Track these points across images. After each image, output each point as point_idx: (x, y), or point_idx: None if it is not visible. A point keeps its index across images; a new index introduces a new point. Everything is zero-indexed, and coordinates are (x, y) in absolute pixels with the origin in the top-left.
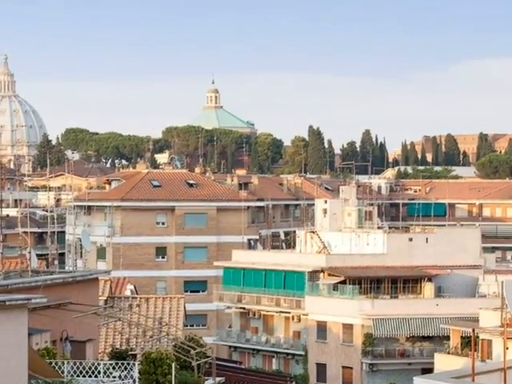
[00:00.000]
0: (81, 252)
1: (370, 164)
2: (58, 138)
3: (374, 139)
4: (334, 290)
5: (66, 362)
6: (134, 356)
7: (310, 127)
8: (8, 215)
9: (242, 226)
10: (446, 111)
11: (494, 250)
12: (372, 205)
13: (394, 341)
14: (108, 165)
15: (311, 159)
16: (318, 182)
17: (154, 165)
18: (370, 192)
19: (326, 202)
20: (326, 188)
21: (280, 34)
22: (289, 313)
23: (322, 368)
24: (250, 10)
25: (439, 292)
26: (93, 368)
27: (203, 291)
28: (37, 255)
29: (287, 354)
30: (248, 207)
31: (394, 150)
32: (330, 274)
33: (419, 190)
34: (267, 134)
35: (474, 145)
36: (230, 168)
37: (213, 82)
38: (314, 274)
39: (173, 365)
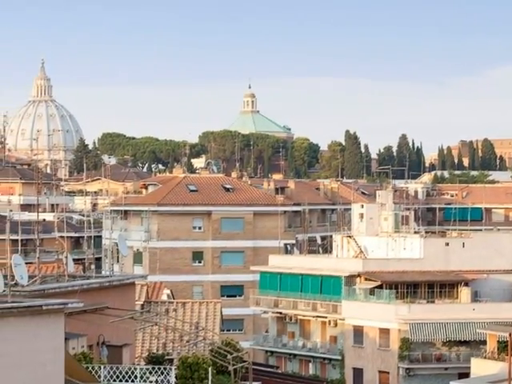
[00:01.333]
0: (117, 257)
1: (406, 169)
2: (94, 143)
3: (410, 144)
4: (370, 294)
5: (102, 367)
6: (171, 361)
7: (347, 132)
8: (45, 220)
9: (278, 230)
10: (483, 116)
11: None
12: (408, 209)
13: (431, 345)
14: (145, 169)
15: (348, 164)
16: (354, 186)
17: (191, 169)
18: (407, 196)
19: (362, 206)
20: (363, 192)
21: (316, 38)
22: (325, 317)
23: (358, 373)
24: (286, 15)
25: (476, 296)
26: (129, 373)
27: (240, 296)
28: (73, 260)
29: (324, 358)
30: (285, 212)
31: (430, 155)
32: (366, 279)
33: (456, 194)
34: (304, 138)
35: (510, 149)
36: (266, 172)
37: (249, 87)
38: (351, 279)
39: (209, 369)
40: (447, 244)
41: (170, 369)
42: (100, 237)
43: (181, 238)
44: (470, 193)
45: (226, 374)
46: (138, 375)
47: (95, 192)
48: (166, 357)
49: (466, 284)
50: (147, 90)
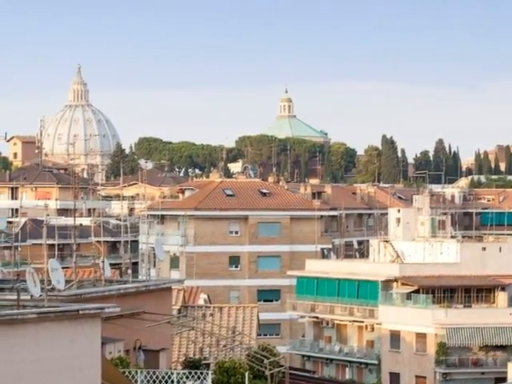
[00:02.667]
0: (154, 261)
1: (443, 173)
2: (131, 147)
3: (447, 148)
4: (407, 299)
5: (139, 372)
6: (208, 365)
7: (384, 136)
8: (81, 224)
9: (315, 235)
10: None
11: None
12: (445, 214)
13: (468, 350)
14: (181, 174)
15: (384, 168)
16: (391, 191)
17: (228, 174)
18: (444, 201)
19: (399, 211)
20: (400, 197)
21: (353, 43)
22: (362, 322)
23: (395, 377)
24: (323, 20)
25: None
26: (166, 377)
27: (276, 300)
28: (110, 264)
29: (360, 363)
30: (321, 216)
31: (467, 159)
32: (403, 284)
33: (492, 199)
34: (340, 143)
35: None
36: (303, 177)
37: (286, 91)
38: (388, 284)
39: (246, 374)
40: (484, 249)
41: (207, 373)
42: (137, 241)
43: (217, 243)
44: (507, 197)
45: (263, 378)
46: (175, 380)
47: (132, 197)
48: (203, 361)
49: (503, 288)
50: (184, 94)
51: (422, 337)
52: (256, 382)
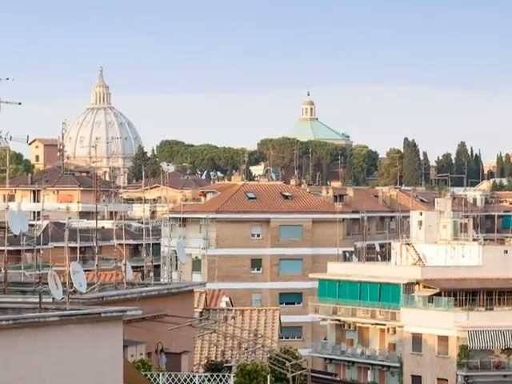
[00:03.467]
0: (176, 264)
1: (465, 176)
2: (153, 150)
3: (469, 151)
4: (429, 302)
5: (161, 374)
6: (230, 368)
7: (406, 139)
8: (103, 227)
9: (337, 237)
10: None
11: None
12: (467, 217)
13: (489, 353)
14: (203, 177)
15: (406, 171)
16: (413, 193)
17: (250, 177)
18: (466, 204)
19: (421, 214)
20: (422, 200)
21: (375, 46)
22: (384, 325)
23: (417, 380)
24: (343, 23)
25: None
26: (188, 380)
27: (298, 303)
28: (132, 267)
29: (382, 365)
30: (343, 219)
31: (489, 162)
32: (425, 286)
33: None
34: (362, 145)
35: None
36: (325, 180)
37: (308, 94)
38: (410, 286)
39: (268, 377)
40: (506, 251)
41: (229, 376)
42: (158, 244)
43: (239, 246)
44: None
45: (285, 381)
46: (197, 382)
47: (154, 199)
48: (225, 364)
49: None
50: (206, 97)
51: (443, 339)
52: None
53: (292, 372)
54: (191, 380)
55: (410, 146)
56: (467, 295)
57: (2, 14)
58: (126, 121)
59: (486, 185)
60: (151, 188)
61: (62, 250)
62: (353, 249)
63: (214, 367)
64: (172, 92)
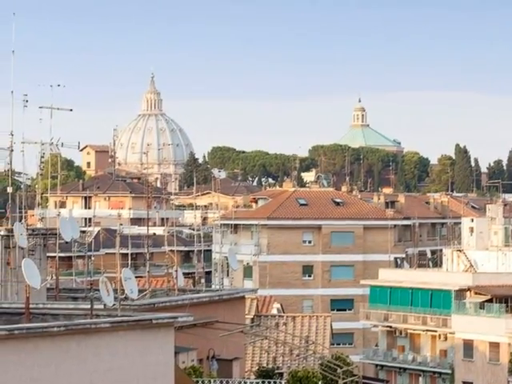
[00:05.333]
0: (227, 270)
1: None
2: (204, 157)
3: None
4: (480, 308)
5: (212, 381)
6: (281, 374)
7: (457, 146)
8: (155, 234)
9: (388, 244)
10: None
11: None
12: None
13: None
14: (254, 183)
15: (458, 177)
16: (464, 200)
17: (301, 183)
18: None
19: (472, 220)
20: (473, 206)
21: (426, 52)
22: (435, 331)
23: None
24: (395, 30)
25: None
26: None
27: (350, 310)
28: (183, 274)
29: (434, 372)
30: (394, 226)
31: None
32: (476, 293)
33: None
34: (414, 152)
35: None
36: (376, 186)
37: (359, 101)
38: (461, 293)
39: (319, 383)
40: None
41: (280, 382)
42: (210, 251)
43: (291, 252)
44: None
45: None
46: None
47: (205, 206)
48: (276, 371)
49: None
50: (257, 103)
51: (495, 346)
52: None
53: (343, 378)
54: None
55: (462, 152)
56: None
57: (54, 21)
58: (177, 127)
59: None
60: (202, 194)
61: (113, 257)
62: (404, 255)
63: (265, 374)
64: (223, 98)
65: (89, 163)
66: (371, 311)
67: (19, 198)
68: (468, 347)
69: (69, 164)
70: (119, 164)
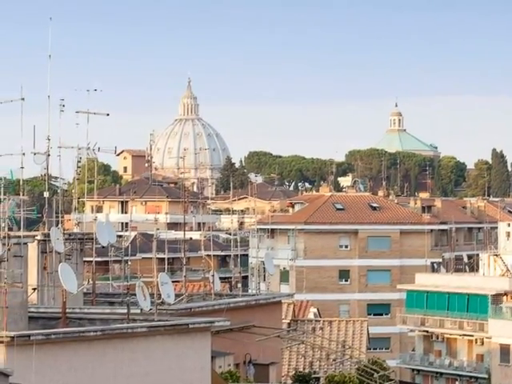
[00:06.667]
0: (264, 275)
1: None
2: (241, 161)
3: None
4: None
5: None
6: (318, 379)
7: (494, 150)
8: (191, 238)
9: (425, 249)
10: None
11: None
12: None
13: None
14: (291, 188)
15: (494, 182)
16: (501, 204)
17: (337, 188)
18: None
19: (509, 225)
20: (510, 211)
21: (462, 56)
22: (472, 336)
23: None
24: (431, 35)
25: None
26: None
27: (386, 314)
28: (220, 278)
29: (470, 377)
30: (431, 230)
31: None
32: None
33: None
34: (450, 156)
35: None
36: (413, 191)
37: (396, 105)
38: (498, 297)
39: None
40: None
41: None
42: (246, 255)
43: (327, 257)
44: None
45: None
46: None
47: (242, 210)
48: (313, 375)
49: None
50: (294, 108)
51: None
52: None
53: (380, 383)
54: None
55: (498, 156)
56: None
57: (90, 25)
58: (214, 132)
59: None
60: (239, 199)
61: (149, 261)
62: (441, 260)
63: (302, 378)
64: (260, 103)
65: (125, 168)
66: (408, 316)
67: (56, 202)
68: (505, 352)
69: (105, 169)
70: (156, 169)
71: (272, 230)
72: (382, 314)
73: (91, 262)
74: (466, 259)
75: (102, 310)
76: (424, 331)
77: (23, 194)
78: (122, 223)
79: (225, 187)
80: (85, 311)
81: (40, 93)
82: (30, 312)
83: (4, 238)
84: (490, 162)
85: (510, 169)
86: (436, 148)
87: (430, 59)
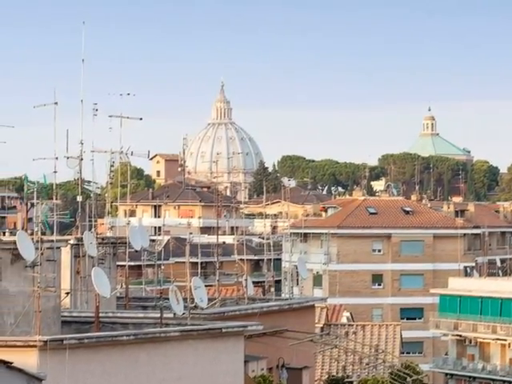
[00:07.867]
0: (297, 279)
1: None
2: (274, 165)
3: None
4: None
5: None
6: (351, 383)
7: None
8: (224, 242)
9: (458, 253)
10: None
11: None
12: None
13: None
14: (324, 192)
15: None
16: None
17: (371, 192)
18: None
19: None
20: None
21: (495, 62)
22: (505, 340)
23: None
24: (463, 39)
25: None
26: None
27: (419, 318)
28: (253, 282)
29: (504, 381)
30: (464, 234)
31: None
32: None
33: None
34: (483, 161)
35: None
36: (446, 195)
37: (429, 109)
38: None
39: None
40: None
41: None
42: (280, 259)
43: (360, 261)
44: None
45: None
46: None
47: (275, 215)
48: (346, 379)
49: None
50: (327, 112)
51: None
52: None
53: None
54: None
55: None
56: None
57: (123, 29)
58: (247, 136)
59: None
60: (272, 203)
61: (182, 266)
62: (474, 264)
63: (335, 382)
64: (293, 107)
65: (158, 172)
66: (441, 320)
67: (89, 206)
68: None
69: (138, 173)
70: (189, 173)
71: (305, 234)
72: (415, 319)
73: (124, 266)
74: (499, 263)
75: (135, 314)
76: (457, 335)
77: (56, 199)
78: (155, 227)
79: (258, 191)
80: (118, 315)
81: (73, 97)
82: (62, 316)
83: (37, 242)
84: None
85: None
86: (469, 152)
87: (463, 63)
